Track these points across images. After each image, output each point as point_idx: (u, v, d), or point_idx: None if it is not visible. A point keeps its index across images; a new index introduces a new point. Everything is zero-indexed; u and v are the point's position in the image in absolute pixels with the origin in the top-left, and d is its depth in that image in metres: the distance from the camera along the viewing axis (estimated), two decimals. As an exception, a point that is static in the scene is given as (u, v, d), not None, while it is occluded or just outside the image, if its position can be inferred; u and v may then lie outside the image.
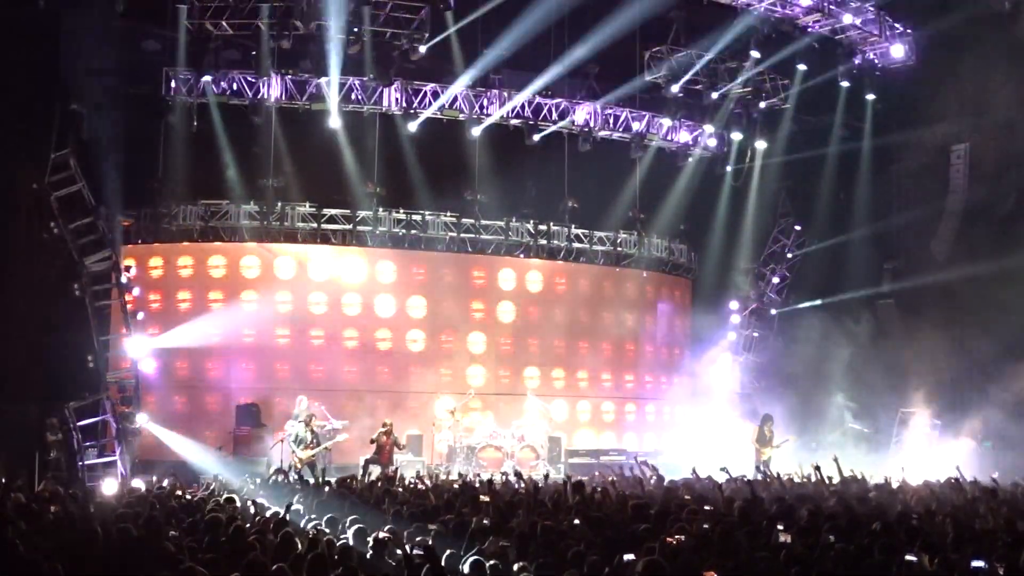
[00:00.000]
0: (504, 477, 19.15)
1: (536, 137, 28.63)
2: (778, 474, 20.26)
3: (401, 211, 27.54)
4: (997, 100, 27.59)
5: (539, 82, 27.86)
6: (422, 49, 25.61)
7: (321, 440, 22.84)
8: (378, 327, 27.48)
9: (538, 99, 28.47)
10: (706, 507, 14.07)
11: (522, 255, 28.91)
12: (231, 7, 24.87)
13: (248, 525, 11.84)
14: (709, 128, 30.11)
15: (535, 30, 26.22)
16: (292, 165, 26.88)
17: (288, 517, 12.23)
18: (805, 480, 19.88)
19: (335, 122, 26.68)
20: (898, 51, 28.10)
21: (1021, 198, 28.07)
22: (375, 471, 21.73)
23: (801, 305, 31.59)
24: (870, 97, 29.50)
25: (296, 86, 26.65)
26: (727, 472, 19.37)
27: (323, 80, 26.36)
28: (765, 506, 14.11)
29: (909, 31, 28.28)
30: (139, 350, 23.18)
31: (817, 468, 19.56)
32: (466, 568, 9.22)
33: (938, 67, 27.36)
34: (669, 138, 30.18)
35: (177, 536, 10.96)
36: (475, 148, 28.24)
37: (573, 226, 29.35)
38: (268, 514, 12.94)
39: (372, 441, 23.06)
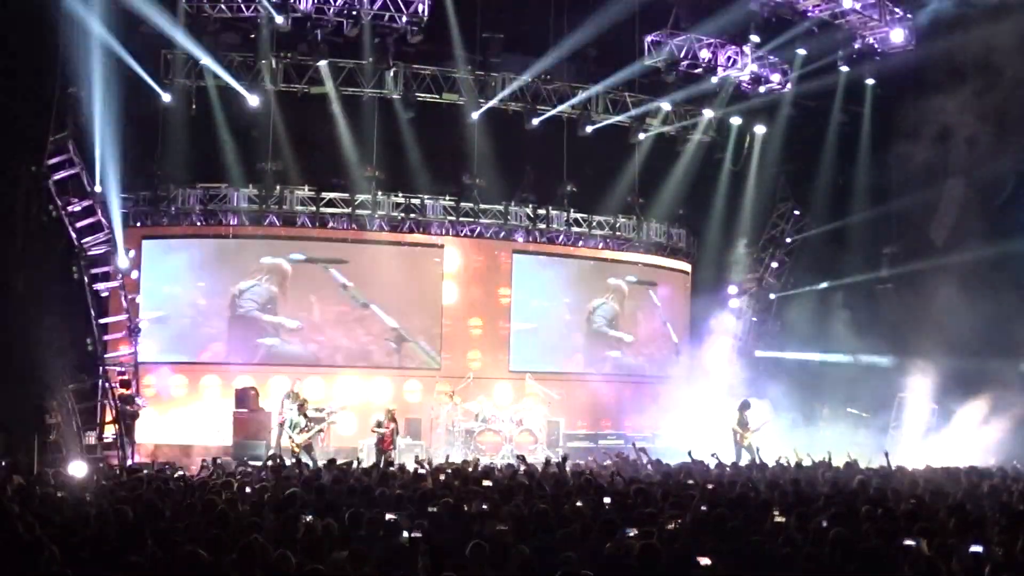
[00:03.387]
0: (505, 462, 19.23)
1: (535, 121, 28.60)
2: (761, 460, 20.35)
3: (400, 195, 27.53)
4: (997, 84, 27.54)
5: (538, 66, 27.82)
6: (421, 33, 25.55)
7: (314, 423, 22.85)
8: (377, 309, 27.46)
9: (537, 83, 28.42)
10: (708, 485, 14.14)
11: (521, 239, 28.90)
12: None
13: (247, 508, 11.86)
14: (708, 112, 30.06)
15: (534, 13, 26.15)
16: (291, 149, 26.82)
17: (285, 499, 12.26)
18: (799, 464, 19.97)
19: (334, 106, 26.61)
20: (898, 35, 28.01)
21: (1021, 182, 28.08)
22: (374, 454, 21.86)
23: (800, 289, 31.61)
24: (870, 82, 29.48)
25: (295, 69, 26.59)
26: (717, 458, 19.47)
27: (322, 63, 26.28)
28: (761, 490, 14.14)
29: (909, 15, 28.20)
30: (137, 332, 23.22)
31: (808, 456, 19.71)
32: (466, 552, 9.23)
33: (938, 52, 27.29)
34: (668, 122, 30.14)
35: (175, 518, 10.97)
36: (474, 132, 28.18)
37: (572, 210, 29.35)
38: (266, 497, 12.95)
39: (374, 429, 23.09)
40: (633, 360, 30.51)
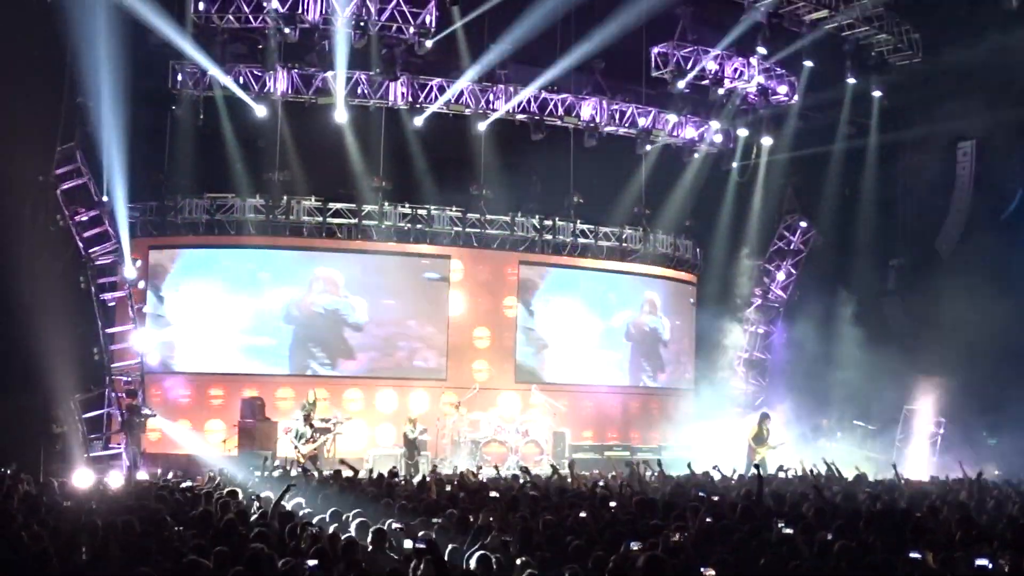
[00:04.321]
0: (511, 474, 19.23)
1: (542, 132, 28.61)
2: (768, 473, 20.30)
3: (407, 205, 27.52)
4: (1004, 97, 27.55)
5: (545, 77, 27.83)
6: (428, 44, 25.59)
7: (320, 434, 22.86)
8: (383, 320, 27.45)
9: (544, 94, 28.41)
10: (714, 496, 14.11)
11: (527, 250, 28.91)
12: (237, 0, 24.87)
13: (252, 519, 11.86)
14: (715, 124, 30.04)
15: (541, 25, 26.19)
16: (298, 159, 26.86)
17: (291, 510, 12.25)
18: (806, 476, 19.93)
19: (341, 116, 26.63)
20: (904, 48, 28.06)
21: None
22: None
23: (806, 302, 31.56)
24: (876, 94, 29.48)
25: (302, 80, 26.63)
26: (719, 470, 19.44)
27: (329, 74, 26.33)
28: (767, 501, 14.11)
29: (916, 28, 28.24)
30: (144, 342, 23.26)
31: (830, 465, 19.59)
32: (472, 563, 9.23)
33: (945, 64, 27.31)
34: (675, 134, 30.12)
35: (180, 529, 10.97)
36: (481, 143, 28.22)
37: (578, 221, 29.34)
38: (271, 507, 12.94)
39: (407, 436, 23.24)
40: (640, 371, 30.48)
